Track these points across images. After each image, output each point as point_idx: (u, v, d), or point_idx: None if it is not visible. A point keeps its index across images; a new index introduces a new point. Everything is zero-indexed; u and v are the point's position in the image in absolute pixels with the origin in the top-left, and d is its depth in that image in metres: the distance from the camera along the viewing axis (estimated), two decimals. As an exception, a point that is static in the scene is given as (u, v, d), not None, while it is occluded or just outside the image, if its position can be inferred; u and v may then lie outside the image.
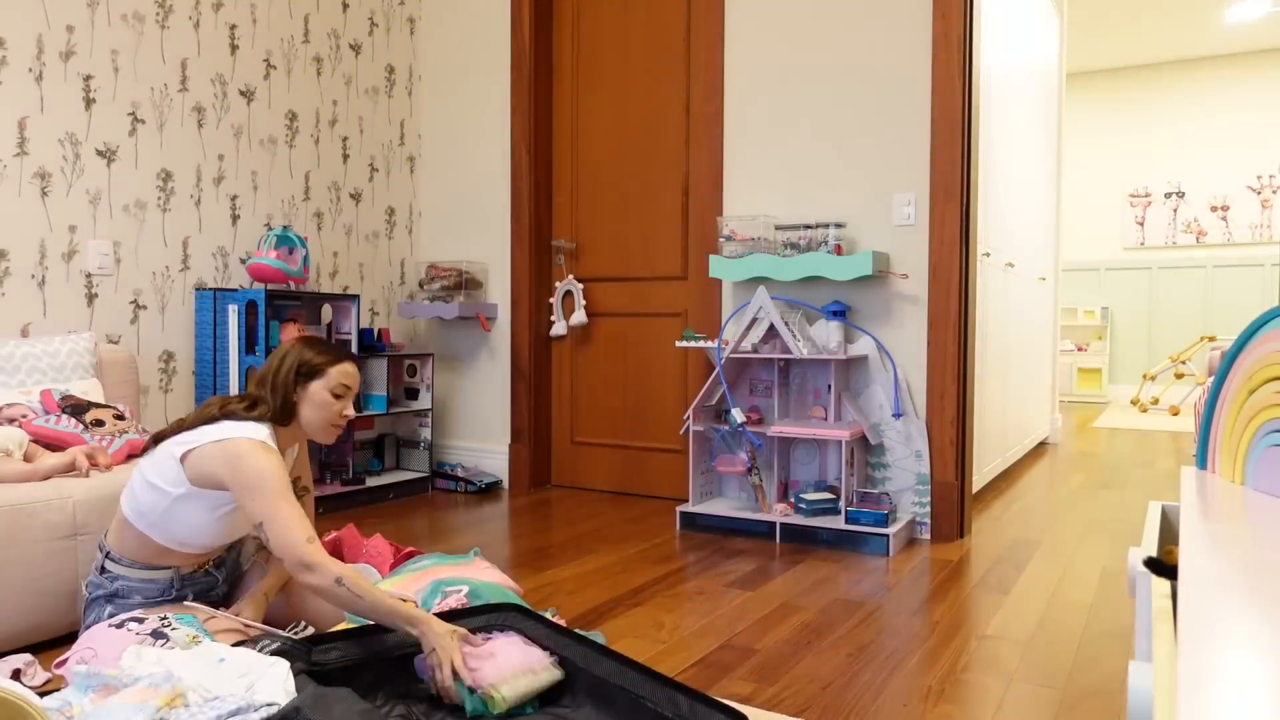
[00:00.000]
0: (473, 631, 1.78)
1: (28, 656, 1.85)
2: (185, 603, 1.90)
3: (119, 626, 1.70)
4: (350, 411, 1.99)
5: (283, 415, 1.93)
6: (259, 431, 1.85)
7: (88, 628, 1.88)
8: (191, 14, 3.32)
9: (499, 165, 4.06)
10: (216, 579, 2.00)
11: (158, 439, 1.89)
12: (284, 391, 1.93)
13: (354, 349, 3.60)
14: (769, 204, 3.42)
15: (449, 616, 1.82)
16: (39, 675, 1.81)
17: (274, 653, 1.56)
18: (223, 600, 2.03)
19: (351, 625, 1.86)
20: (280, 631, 1.77)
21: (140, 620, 1.73)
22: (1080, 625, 2.23)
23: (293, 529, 1.73)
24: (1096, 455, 5.05)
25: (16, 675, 1.80)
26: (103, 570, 1.89)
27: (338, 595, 1.67)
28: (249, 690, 1.41)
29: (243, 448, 1.79)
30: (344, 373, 1.97)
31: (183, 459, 1.81)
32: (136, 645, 1.58)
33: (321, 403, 1.94)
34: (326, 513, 3.47)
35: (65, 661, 1.70)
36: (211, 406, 1.89)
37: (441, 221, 4.25)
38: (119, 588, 1.87)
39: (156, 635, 1.68)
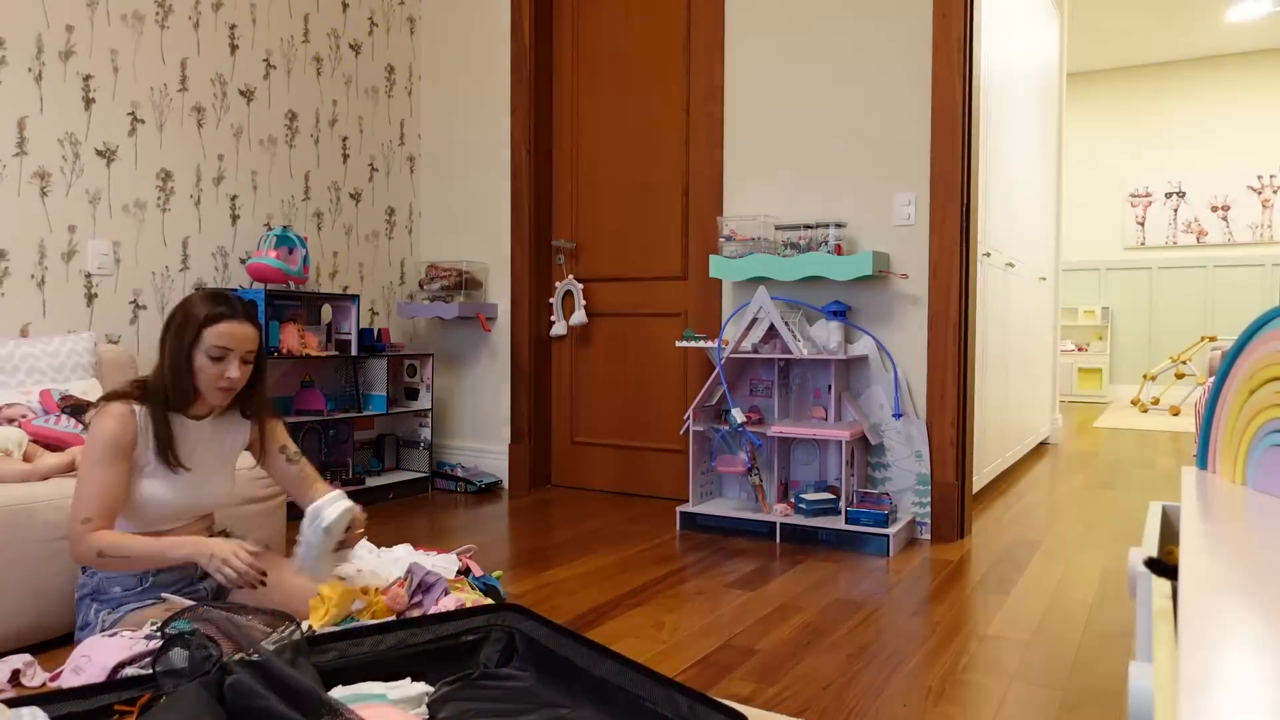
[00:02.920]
0: (469, 631, 1.78)
1: (27, 657, 1.84)
2: (166, 597, 1.89)
3: (112, 635, 1.70)
4: (234, 373, 1.90)
5: (182, 386, 1.90)
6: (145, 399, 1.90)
7: (80, 629, 1.91)
8: (191, 14, 3.32)
9: (499, 165, 4.06)
10: (195, 565, 1.99)
11: None
12: (175, 355, 1.90)
13: (354, 349, 3.60)
14: (769, 204, 3.41)
15: (447, 618, 1.82)
16: (38, 676, 1.81)
17: (278, 650, 1.55)
18: (213, 593, 2.02)
19: (345, 626, 1.86)
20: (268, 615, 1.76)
21: (133, 631, 1.72)
22: (1080, 625, 2.23)
23: (79, 503, 1.81)
24: (1097, 455, 5.05)
25: (15, 676, 1.79)
26: (84, 569, 1.93)
27: (108, 565, 1.80)
28: None
29: (104, 407, 1.86)
30: (219, 334, 1.87)
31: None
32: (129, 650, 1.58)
33: (203, 366, 1.89)
34: (326, 513, 3.47)
35: (60, 674, 1.70)
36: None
37: (441, 221, 4.25)
38: (98, 582, 1.90)
39: (150, 636, 1.68)
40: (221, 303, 1.90)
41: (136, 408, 1.88)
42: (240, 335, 1.90)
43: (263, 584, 1.83)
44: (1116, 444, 5.50)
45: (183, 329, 1.88)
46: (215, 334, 1.87)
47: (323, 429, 3.71)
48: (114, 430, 1.83)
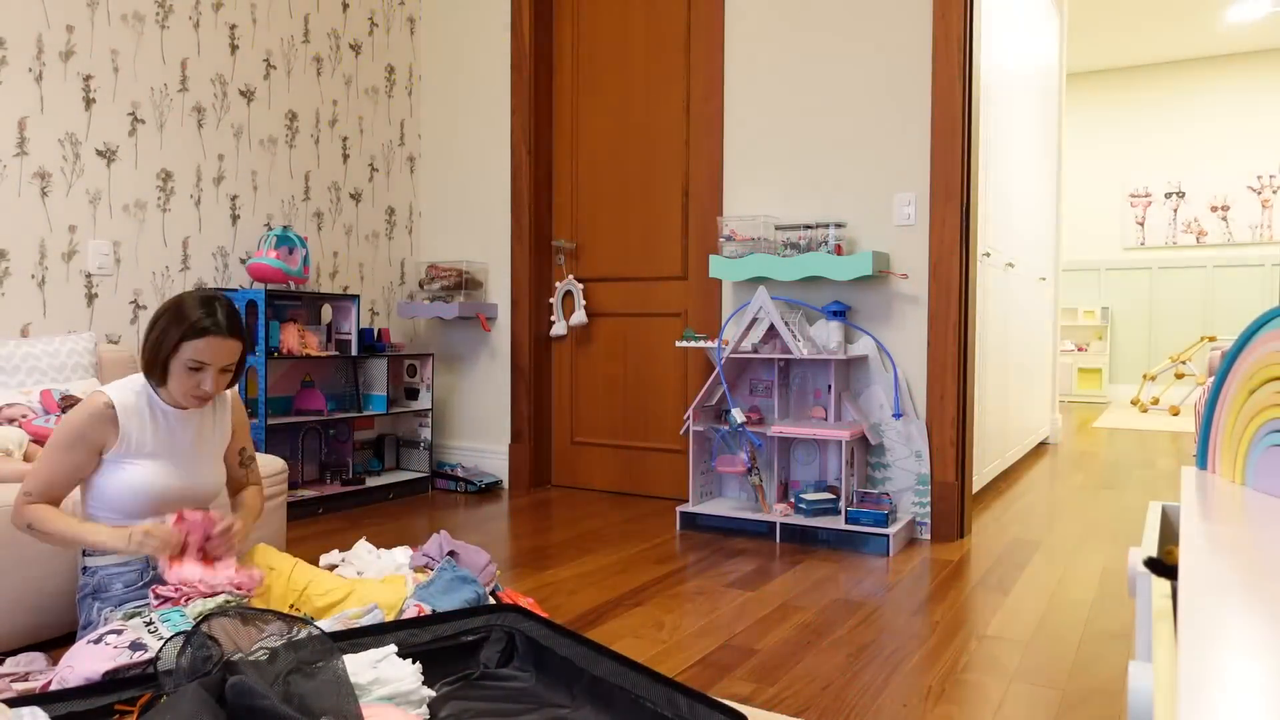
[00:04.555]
0: (469, 632, 1.78)
1: (39, 655, 1.84)
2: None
3: (97, 642, 1.68)
4: (208, 387, 1.87)
5: (152, 375, 1.89)
6: (127, 386, 1.90)
7: (82, 628, 1.90)
8: (191, 14, 3.32)
9: (499, 165, 4.06)
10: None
11: None
12: (153, 355, 1.88)
13: (354, 349, 3.60)
14: (769, 204, 3.42)
15: (447, 618, 1.83)
16: (47, 673, 1.80)
17: (292, 643, 1.53)
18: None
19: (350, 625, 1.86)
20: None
21: (119, 632, 1.70)
22: (1080, 625, 2.23)
23: (29, 479, 1.85)
24: (1097, 455, 5.05)
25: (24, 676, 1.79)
26: (84, 569, 1.92)
27: (35, 537, 1.85)
28: None
29: (89, 396, 1.89)
30: (197, 349, 1.84)
31: None
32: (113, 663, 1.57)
33: (179, 374, 1.87)
34: (326, 513, 3.47)
35: (49, 684, 1.69)
36: None
37: (441, 221, 4.25)
38: (99, 580, 1.89)
39: (135, 648, 1.66)
40: (207, 314, 1.86)
41: (118, 402, 1.87)
42: (220, 350, 1.87)
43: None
44: (1116, 444, 5.50)
45: (165, 334, 1.86)
46: (193, 348, 1.84)
47: (323, 429, 3.71)
48: (84, 423, 1.85)
